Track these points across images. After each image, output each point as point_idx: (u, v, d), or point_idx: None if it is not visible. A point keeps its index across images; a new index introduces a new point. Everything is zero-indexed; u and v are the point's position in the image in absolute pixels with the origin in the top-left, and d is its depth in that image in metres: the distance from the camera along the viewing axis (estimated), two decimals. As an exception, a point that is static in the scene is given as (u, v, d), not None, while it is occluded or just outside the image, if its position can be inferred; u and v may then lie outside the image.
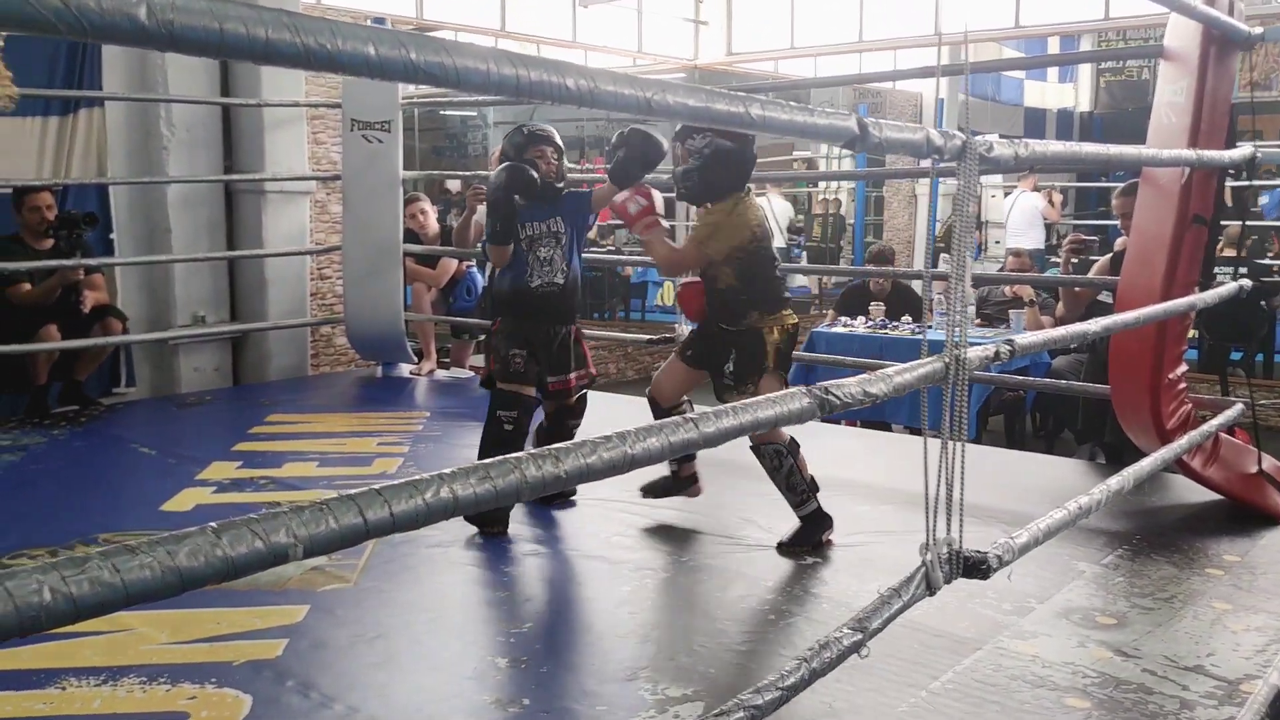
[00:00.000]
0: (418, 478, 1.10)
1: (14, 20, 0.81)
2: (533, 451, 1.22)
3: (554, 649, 2.62)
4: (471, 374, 6.38)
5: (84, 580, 0.86)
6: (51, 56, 5.15)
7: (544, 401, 3.67)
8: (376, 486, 1.07)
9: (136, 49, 5.33)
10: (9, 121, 5.02)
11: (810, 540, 3.27)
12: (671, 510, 3.74)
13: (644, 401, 5.98)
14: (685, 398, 3.55)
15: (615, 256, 10.88)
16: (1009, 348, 2.23)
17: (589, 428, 4.87)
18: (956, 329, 1.97)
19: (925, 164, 4.03)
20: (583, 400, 3.76)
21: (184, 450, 4.44)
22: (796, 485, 3.28)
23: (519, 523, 3.48)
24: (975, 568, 2.04)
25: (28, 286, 4.90)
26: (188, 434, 4.81)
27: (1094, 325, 2.70)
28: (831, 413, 1.68)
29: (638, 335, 6.93)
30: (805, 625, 2.71)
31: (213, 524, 0.95)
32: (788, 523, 3.55)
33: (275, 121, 5.83)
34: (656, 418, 3.39)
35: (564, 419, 3.71)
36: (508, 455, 1.19)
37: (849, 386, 1.70)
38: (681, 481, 3.56)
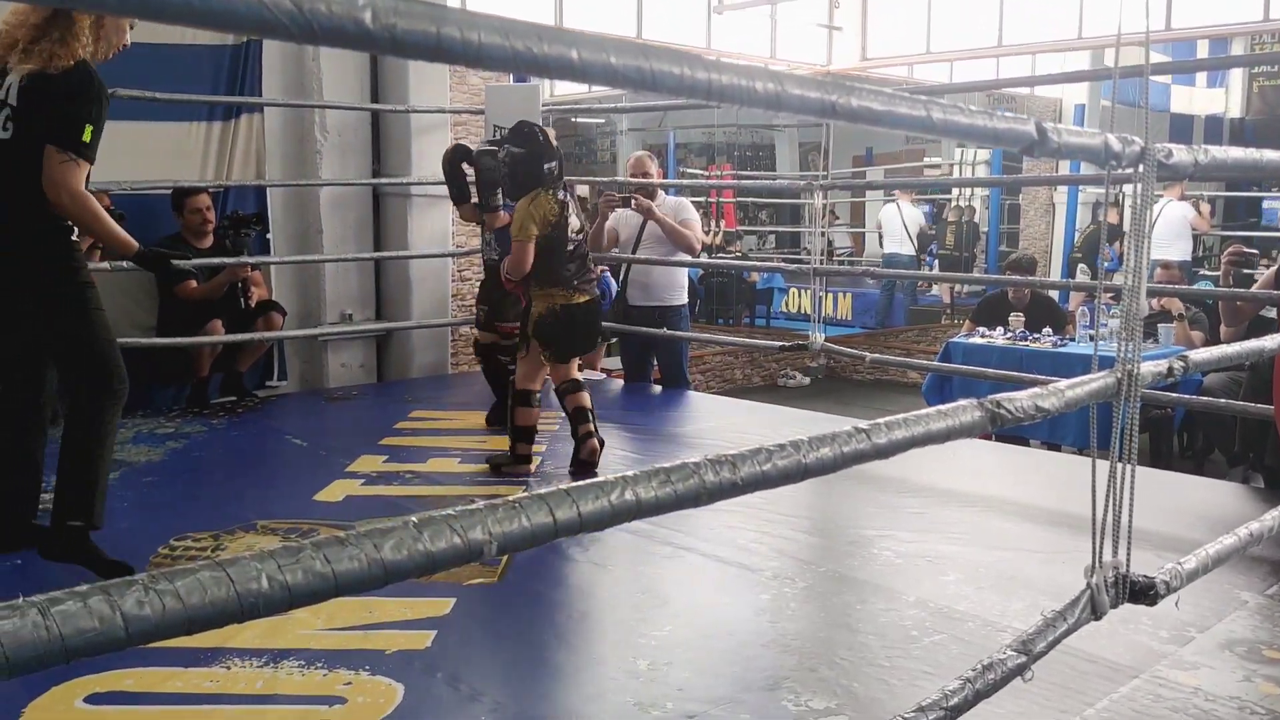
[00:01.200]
0: (603, 480, 1.11)
1: (251, 24, 0.85)
2: (710, 459, 1.22)
3: (694, 654, 2.62)
4: (603, 375, 6.44)
5: (299, 569, 0.90)
6: (216, 65, 5.40)
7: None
8: (564, 486, 1.09)
9: (294, 58, 5.59)
10: (176, 127, 5.28)
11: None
12: (807, 520, 3.71)
13: (773, 407, 5.98)
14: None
15: (740, 262, 10.84)
16: (1182, 364, 2.14)
17: (724, 433, 4.86)
18: (1129, 343, 1.90)
19: (1087, 170, 3.90)
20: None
21: (333, 442, 4.59)
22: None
23: (657, 525, 3.48)
24: (1143, 593, 1.97)
25: (195, 284, 5.15)
26: (336, 427, 4.97)
27: (1269, 341, 2.57)
28: (1002, 426, 1.64)
29: (763, 341, 6.88)
30: (951, 644, 2.65)
31: (413, 518, 0.98)
32: (924, 536, 3.49)
33: (421, 127, 6.00)
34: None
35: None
36: (686, 462, 1.20)
37: (1020, 400, 1.65)
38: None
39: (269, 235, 5.67)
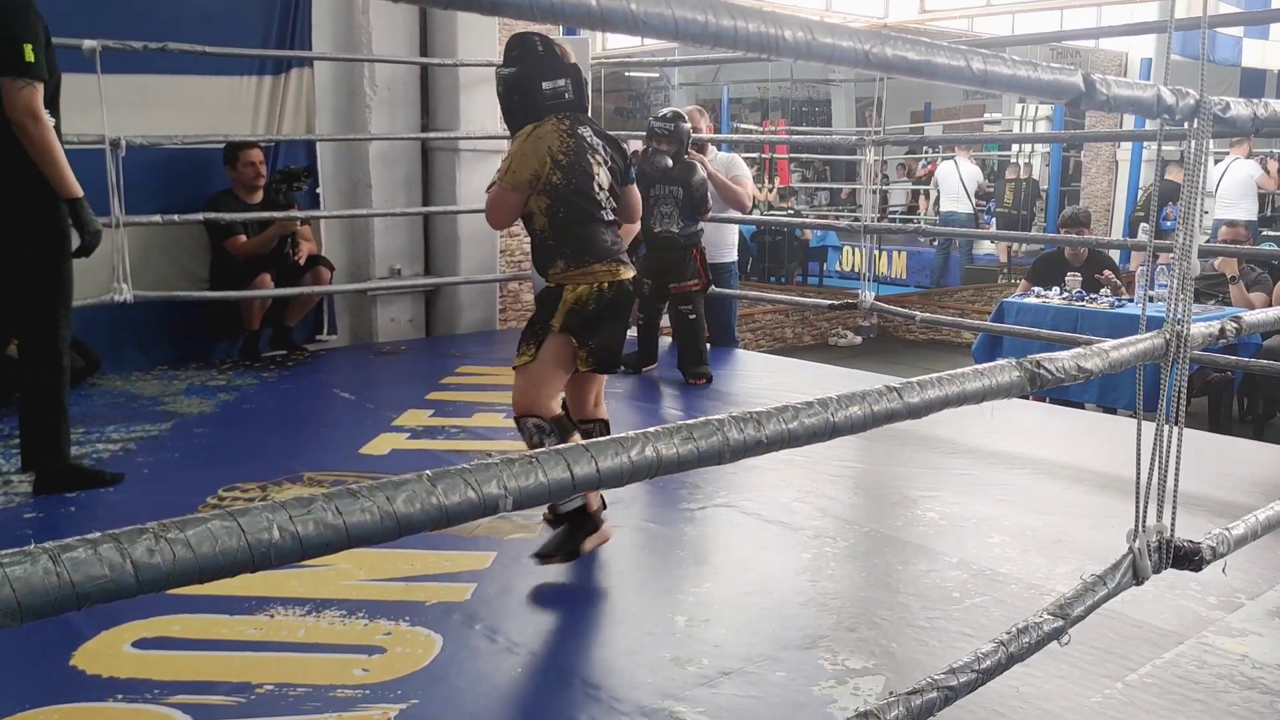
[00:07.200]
0: (624, 435, 1.10)
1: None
2: (735, 415, 1.20)
3: (732, 611, 2.61)
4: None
5: (310, 520, 0.90)
6: (266, 19, 5.41)
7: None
8: (584, 442, 1.07)
9: (344, 12, 5.58)
10: (228, 81, 5.31)
11: (570, 547, 2.78)
12: (851, 479, 3.69)
13: (820, 366, 5.93)
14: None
15: (791, 219, 10.72)
16: (1235, 325, 2.07)
17: (769, 391, 4.84)
18: (1180, 303, 1.84)
19: (1150, 125, 3.78)
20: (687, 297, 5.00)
21: (380, 396, 4.64)
22: None
23: (700, 482, 3.48)
24: (1187, 559, 1.92)
25: (244, 238, 5.20)
26: (384, 381, 5.01)
27: (1331, 304, 2.48)
28: (1042, 387, 1.60)
29: (811, 300, 6.82)
30: (993, 606, 2.62)
31: (428, 472, 0.97)
32: (970, 498, 3.45)
33: (470, 81, 5.97)
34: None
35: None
36: (710, 418, 1.18)
37: (1062, 360, 1.61)
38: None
39: (319, 190, 5.71)
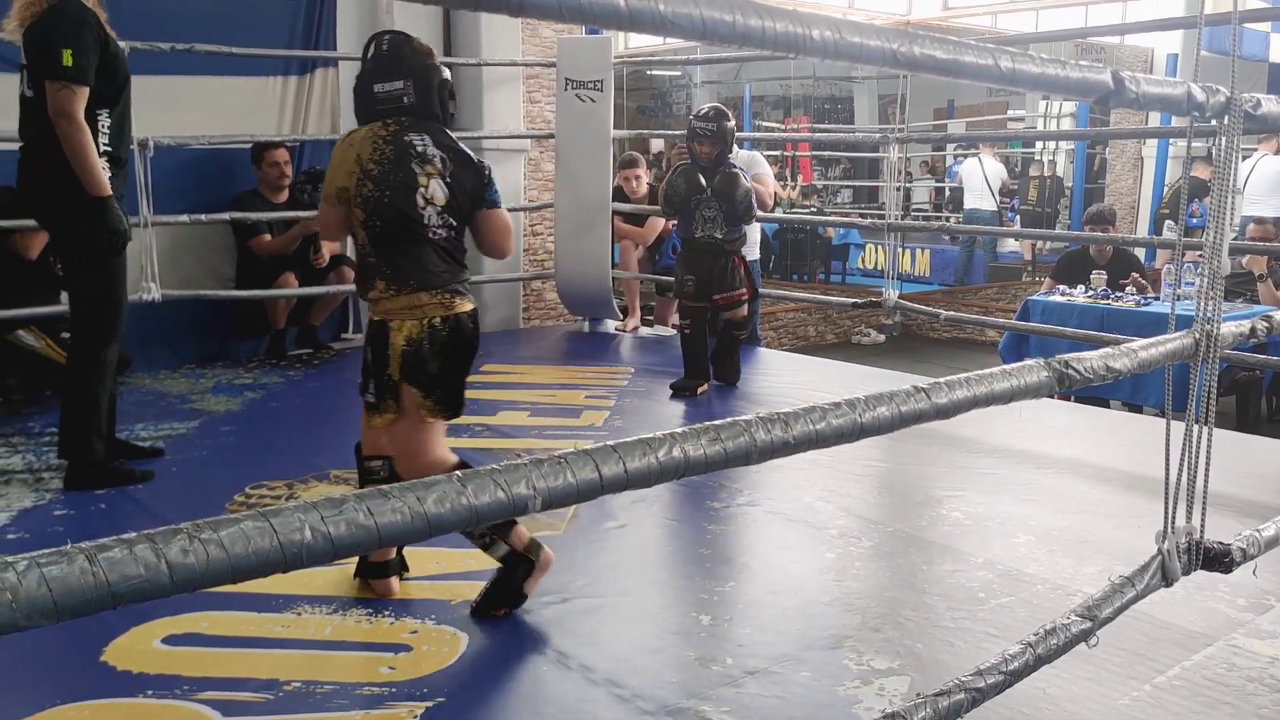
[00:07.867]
0: (651, 436, 1.10)
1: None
2: (762, 416, 1.20)
3: (757, 610, 2.61)
4: (674, 331, 6.41)
5: (341, 521, 0.90)
6: (292, 20, 5.44)
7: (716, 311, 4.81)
8: (611, 443, 1.08)
9: (368, 11, 5.61)
10: (254, 81, 5.35)
11: (513, 594, 2.54)
12: (876, 479, 3.68)
13: (844, 365, 5.91)
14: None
15: (814, 217, 10.67)
16: (1266, 324, 2.05)
17: (794, 390, 4.83)
18: (1209, 302, 1.83)
19: (1178, 123, 3.76)
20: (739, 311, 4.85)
21: (404, 396, 4.64)
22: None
23: (725, 481, 3.48)
24: (1217, 560, 1.91)
25: (268, 237, 5.24)
26: (408, 380, 5.05)
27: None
28: (1070, 387, 1.59)
29: (836, 298, 6.81)
30: (1019, 607, 2.61)
31: (458, 473, 0.98)
32: (996, 498, 3.43)
33: (493, 81, 5.98)
34: None
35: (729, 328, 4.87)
36: (737, 419, 1.18)
37: (1090, 360, 1.60)
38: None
39: (344, 190, 5.72)
